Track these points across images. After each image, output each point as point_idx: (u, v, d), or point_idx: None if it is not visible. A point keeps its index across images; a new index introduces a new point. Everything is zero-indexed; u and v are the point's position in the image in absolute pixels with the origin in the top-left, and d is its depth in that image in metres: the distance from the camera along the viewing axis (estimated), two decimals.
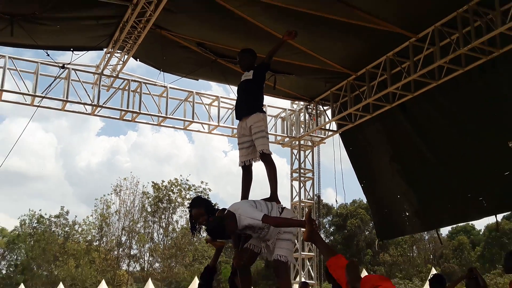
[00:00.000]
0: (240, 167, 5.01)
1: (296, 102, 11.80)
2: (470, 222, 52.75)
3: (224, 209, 4.39)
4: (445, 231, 51.66)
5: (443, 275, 6.81)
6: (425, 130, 9.07)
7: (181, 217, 43.25)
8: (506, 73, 7.57)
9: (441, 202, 9.07)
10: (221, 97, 11.29)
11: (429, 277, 6.75)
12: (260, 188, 4.84)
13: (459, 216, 9.20)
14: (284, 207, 4.47)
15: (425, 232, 50.71)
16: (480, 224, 52.85)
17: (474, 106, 8.19)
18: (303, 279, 10.51)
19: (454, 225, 50.34)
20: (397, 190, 9.91)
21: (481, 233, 50.80)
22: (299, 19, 7.82)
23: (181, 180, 45.70)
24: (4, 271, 51.15)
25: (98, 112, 10.45)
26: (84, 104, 10.14)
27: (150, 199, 45.78)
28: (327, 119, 11.27)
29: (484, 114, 8.01)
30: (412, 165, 9.47)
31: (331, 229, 51.47)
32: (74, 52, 9.71)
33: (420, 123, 9.14)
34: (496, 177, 7.90)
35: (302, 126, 11.80)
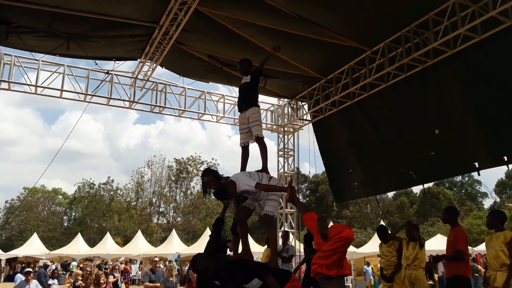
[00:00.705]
0: (240, 147, 5.02)
1: (282, 99, 11.75)
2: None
3: (227, 177, 4.41)
4: (390, 194, 52.03)
5: (385, 226, 6.87)
6: (375, 120, 9.05)
7: (196, 184, 43.56)
8: (435, 77, 7.53)
9: (381, 175, 9.11)
10: (226, 95, 11.22)
11: (376, 228, 6.82)
12: (254, 162, 4.85)
13: (393, 185, 9.34)
14: (272, 176, 4.49)
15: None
16: (417, 188, 53.15)
17: (411, 102, 8.16)
18: (285, 229, 10.56)
19: (398, 190, 50.84)
20: (349, 166, 9.91)
21: (417, 195, 51.21)
22: (284, 37, 7.77)
23: (196, 157, 45.81)
24: (66, 224, 51.45)
25: (133, 106, 10.37)
26: (123, 100, 10.07)
27: (173, 171, 45.87)
28: (304, 112, 11.24)
29: (418, 108, 7.98)
30: (362, 147, 9.44)
31: (307, 192, 51.75)
32: (115, 61, 9.75)
33: (372, 115, 9.10)
34: (424, 156, 7.90)
35: (286, 117, 11.77)
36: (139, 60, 9.69)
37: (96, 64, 9.72)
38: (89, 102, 9.87)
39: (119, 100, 10.07)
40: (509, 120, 6.50)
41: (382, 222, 23.77)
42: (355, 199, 10.81)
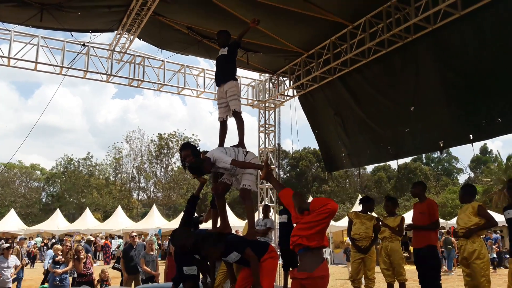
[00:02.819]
0: (219, 122, 4.99)
1: (263, 74, 11.66)
2: (387, 162, 54.42)
3: (206, 151, 4.41)
4: (369, 169, 53.05)
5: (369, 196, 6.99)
6: (356, 94, 9.09)
7: (178, 160, 43.37)
8: (413, 54, 7.56)
9: (364, 148, 9.29)
10: (206, 69, 11.05)
11: (359, 198, 6.95)
12: (233, 137, 4.85)
13: (373, 159, 9.46)
14: (248, 151, 4.49)
15: (354, 169, 52.23)
16: (395, 163, 54.22)
17: (391, 78, 8.21)
18: (266, 203, 10.69)
19: (376, 164, 51.87)
20: (338, 137, 10.02)
21: (395, 170, 52.29)
22: (265, 10, 7.63)
23: (177, 133, 45.54)
24: (44, 199, 50.95)
25: (111, 80, 10.14)
26: (100, 73, 9.83)
27: (155, 146, 45.65)
28: (285, 87, 11.21)
29: (397, 84, 8.04)
30: (348, 119, 9.51)
31: (288, 168, 52.28)
32: (92, 33, 9.43)
33: (354, 89, 9.12)
34: (399, 132, 8.07)
35: (267, 92, 11.72)
36: (116, 32, 9.42)
37: (72, 36, 9.42)
38: (65, 75, 9.61)
39: (96, 73, 9.83)
40: (475, 99, 6.63)
41: (360, 196, 24.31)
42: (343, 169, 11.03)
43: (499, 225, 17.84)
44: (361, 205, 6.56)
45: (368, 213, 6.40)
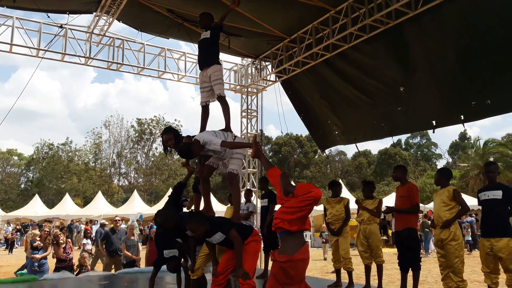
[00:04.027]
0: (201, 106, 4.96)
1: (245, 58, 11.57)
2: (368, 148, 55.25)
3: (189, 136, 4.39)
4: (349, 154, 53.77)
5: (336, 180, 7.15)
6: (343, 77, 9.06)
7: (159, 145, 43.02)
8: (396, 38, 7.61)
9: (358, 125, 9.41)
10: (188, 53, 10.91)
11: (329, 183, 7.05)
12: (215, 122, 4.84)
13: (369, 136, 9.51)
14: (236, 135, 4.53)
15: (335, 154, 52.84)
16: (375, 149, 55.15)
17: (376, 61, 8.25)
18: (248, 187, 10.74)
19: (357, 150, 52.56)
20: (327, 118, 10.10)
21: (375, 156, 53.11)
22: None
23: (159, 118, 45.06)
24: (23, 185, 50.08)
25: (90, 63, 9.90)
26: (79, 56, 9.57)
27: (135, 131, 45.11)
28: (268, 72, 11.17)
29: (384, 66, 8.11)
30: (336, 101, 9.56)
31: (270, 154, 52.48)
32: (69, 15, 9.12)
33: (340, 72, 9.08)
34: (391, 111, 8.23)
35: (250, 77, 11.66)
36: (94, 13, 9.16)
37: (49, 17, 9.13)
38: (42, 57, 9.33)
39: (74, 56, 9.58)
40: (465, 81, 6.75)
41: (340, 181, 24.65)
42: (337, 145, 11.13)
43: (474, 209, 18.47)
44: (330, 190, 6.68)
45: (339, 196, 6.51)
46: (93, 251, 11.02)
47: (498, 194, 4.92)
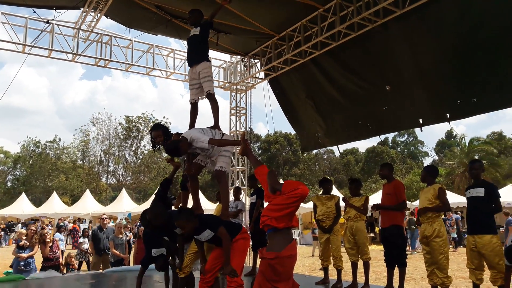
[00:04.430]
0: (190, 104, 4.93)
1: (234, 56, 11.55)
2: (356, 146, 55.57)
3: (178, 133, 4.36)
4: (337, 152, 54.06)
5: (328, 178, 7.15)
6: (329, 75, 9.08)
7: (148, 143, 42.70)
8: (386, 37, 7.65)
9: (341, 126, 9.35)
10: (176, 50, 10.83)
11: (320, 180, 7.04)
12: (204, 120, 4.81)
13: (353, 136, 9.45)
14: (224, 133, 4.49)
15: (323, 152, 53.07)
16: (363, 147, 55.50)
17: (363, 59, 8.28)
18: (237, 185, 10.73)
19: (344, 148, 52.88)
20: (311, 118, 10.06)
21: (362, 154, 53.49)
22: None
23: (147, 115, 44.75)
24: (9, 184, 49.29)
25: (77, 59, 9.77)
26: (66, 52, 9.45)
27: (123, 129, 44.70)
28: (257, 70, 11.16)
29: (370, 65, 8.14)
30: (321, 100, 9.54)
31: (259, 152, 52.51)
32: (56, 10, 8.97)
33: (326, 71, 9.11)
34: (377, 110, 8.20)
35: (239, 74, 11.64)
36: (82, 9, 9.04)
37: (35, 12, 8.97)
38: (28, 53, 9.18)
39: (61, 52, 9.45)
40: (451, 79, 6.82)
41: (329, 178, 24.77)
42: (320, 148, 11.05)
43: (460, 206, 18.71)
44: (320, 187, 6.69)
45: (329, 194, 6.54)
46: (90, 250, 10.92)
47: (481, 191, 4.98)
